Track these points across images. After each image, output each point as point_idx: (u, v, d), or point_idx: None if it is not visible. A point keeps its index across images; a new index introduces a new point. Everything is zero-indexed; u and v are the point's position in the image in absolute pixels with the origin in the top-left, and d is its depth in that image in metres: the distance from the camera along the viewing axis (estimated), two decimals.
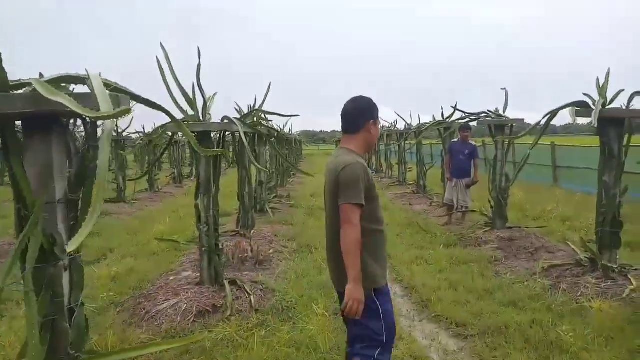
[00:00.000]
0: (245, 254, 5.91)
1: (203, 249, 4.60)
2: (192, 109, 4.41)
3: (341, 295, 2.49)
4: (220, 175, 4.61)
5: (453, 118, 9.04)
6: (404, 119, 14.08)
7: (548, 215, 8.62)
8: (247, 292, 4.55)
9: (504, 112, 7.49)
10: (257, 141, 9.20)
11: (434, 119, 10.40)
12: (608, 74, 4.88)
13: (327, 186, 2.56)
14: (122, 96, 1.98)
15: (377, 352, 2.45)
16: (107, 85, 1.86)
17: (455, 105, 8.59)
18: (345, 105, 2.62)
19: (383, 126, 18.08)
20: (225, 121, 4.44)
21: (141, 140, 13.57)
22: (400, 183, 14.93)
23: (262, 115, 7.89)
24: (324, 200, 2.68)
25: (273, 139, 9.69)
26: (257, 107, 7.12)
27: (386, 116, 30.13)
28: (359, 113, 2.58)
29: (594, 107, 4.53)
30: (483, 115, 7.68)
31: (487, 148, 9.19)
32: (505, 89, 7.65)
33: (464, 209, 8.44)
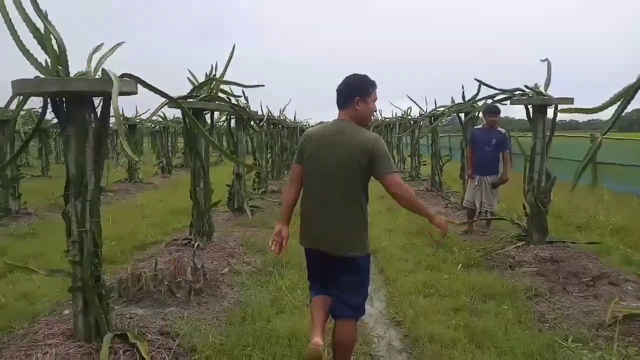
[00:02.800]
0: (180, 278, 4.18)
1: (75, 284, 2.87)
2: (49, 56, 2.66)
3: (336, 259, 2.70)
4: (102, 167, 2.86)
5: (478, 97, 7.13)
6: (418, 105, 12.10)
7: (597, 225, 6.72)
8: (142, 356, 2.81)
9: (545, 89, 5.61)
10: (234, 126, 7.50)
11: (453, 101, 8.50)
12: None
13: (341, 156, 2.64)
14: None
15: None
16: None
17: (481, 81, 6.69)
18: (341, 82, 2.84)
19: (395, 114, 16.16)
20: (106, 78, 2.66)
21: None
22: (412, 178, 13.06)
23: (236, 91, 6.17)
24: (320, 169, 2.70)
25: (253, 122, 7.89)
26: (216, 76, 5.32)
27: (400, 105, 28.10)
28: (347, 90, 2.78)
29: None
30: (518, 92, 5.79)
31: (514, 140, 7.22)
32: (547, 59, 5.76)
33: (488, 215, 6.60)
